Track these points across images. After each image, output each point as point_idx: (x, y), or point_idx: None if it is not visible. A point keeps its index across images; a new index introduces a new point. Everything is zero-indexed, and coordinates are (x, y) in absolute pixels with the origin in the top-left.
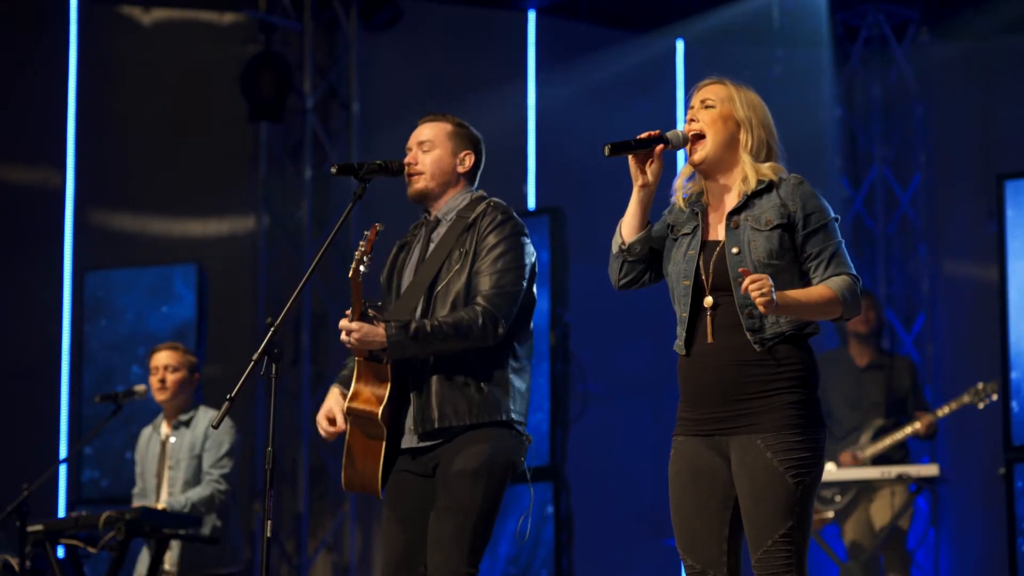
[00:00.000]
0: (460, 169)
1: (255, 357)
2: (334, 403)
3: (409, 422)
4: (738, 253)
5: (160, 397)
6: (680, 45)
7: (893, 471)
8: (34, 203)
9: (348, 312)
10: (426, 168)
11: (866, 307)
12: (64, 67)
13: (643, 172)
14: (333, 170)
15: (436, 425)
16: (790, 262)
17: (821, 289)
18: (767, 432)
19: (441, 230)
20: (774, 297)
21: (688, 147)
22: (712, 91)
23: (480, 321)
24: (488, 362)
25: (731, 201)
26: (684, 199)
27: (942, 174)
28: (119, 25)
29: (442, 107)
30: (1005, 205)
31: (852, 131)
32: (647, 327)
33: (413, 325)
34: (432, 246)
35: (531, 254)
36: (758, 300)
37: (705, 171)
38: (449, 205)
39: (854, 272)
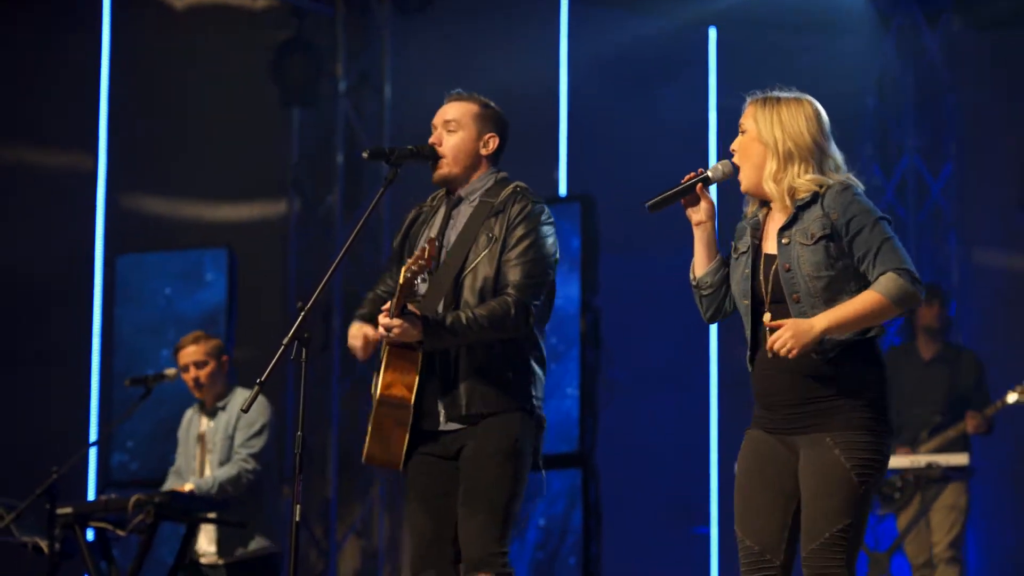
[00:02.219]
0: (484, 152)
1: (285, 341)
2: (361, 326)
3: (436, 406)
4: (789, 270)
5: (199, 395)
6: (712, 32)
7: (923, 460)
8: (66, 187)
9: (385, 308)
10: (449, 151)
11: (938, 303)
12: (97, 51)
13: (694, 211)
14: (364, 155)
15: (464, 412)
16: (843, 270)
17: (867, 295)
18: (836, 431)
19: (464, 210)
20: (801, 341)
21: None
22: (745, 115)
23: (513, 312)
24: (514, 350)
25: (782, 217)
26: (752, 210)
27: (973, 164)
28: (152, 9)
29: (474, 91)
30: None
31: (884, 120)
32: (676, 315)
33: (449, 319)
34: (454, 225)
35: (556, 242)
36: (783, 353)
37: (754, 195)
38: (473, 186)
39: (905, 265)
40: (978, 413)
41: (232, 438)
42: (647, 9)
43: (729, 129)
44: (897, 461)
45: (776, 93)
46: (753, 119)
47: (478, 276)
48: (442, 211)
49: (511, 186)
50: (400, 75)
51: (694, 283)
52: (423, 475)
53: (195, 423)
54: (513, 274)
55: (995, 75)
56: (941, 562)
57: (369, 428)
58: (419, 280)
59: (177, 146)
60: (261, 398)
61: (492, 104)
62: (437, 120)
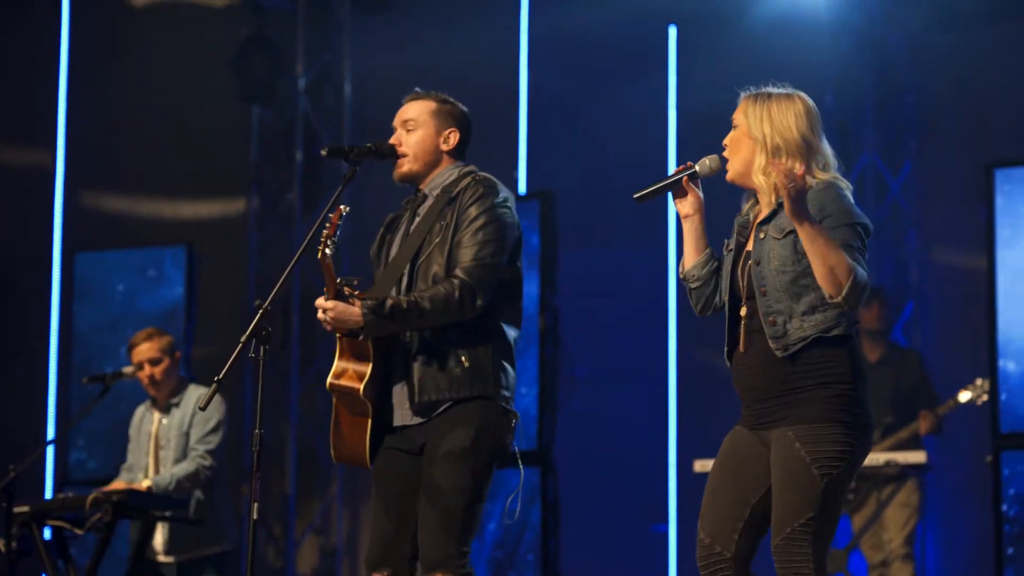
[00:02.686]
0: (444, 147)
1: (243, 339)
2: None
3: (397, 399)
4: (759, 263)
5: (152, 392)
6: (672, 30)
7: (881, 457)
8: (25, 184)
9: (325, 290)
10: (409, 150)
11: (878, 304)
12: (56, 48)
13: (682, 203)
14: (323, 153)
15: (417, 400)
16: (808, 267)
17: (845, 257)
18: (798, 424)
19: (427, 204)
20: (797, 184)
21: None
22: (738, 110)
23: (457, 294)
24: (470, 338)
25: (764, 213)
26: (747, 207)
27: (933, 162)
28: (111, 6)
29: (434, 89)
30: (995, 194)
31: (843, 118)
32: (636, 312)
33: (389, 302)
34: (417, 220)
35: (514, 227)
36: (784, 184)
37: (742, 186)
38: (435, 181)
39: (862, 269)
40: (931, 412)
41: (187, 435)
42: (607, 6)
43: (689, 127)
44: None
45: (769, 89)
46: (744, 114)
47: (432, 263)
48: (409, 212)
49: (470, 176)
50: (360, 73)
51: (681, 276)
52: (387, 470)
53: (147, 420)
54: (462, 256)
55: (954, 74)
56: (896, 559)
57: (331, 426)
58: (329, 249)
59: (136, 143)
60: (216, 395)
61: (451, 100)
62: (396, 121)
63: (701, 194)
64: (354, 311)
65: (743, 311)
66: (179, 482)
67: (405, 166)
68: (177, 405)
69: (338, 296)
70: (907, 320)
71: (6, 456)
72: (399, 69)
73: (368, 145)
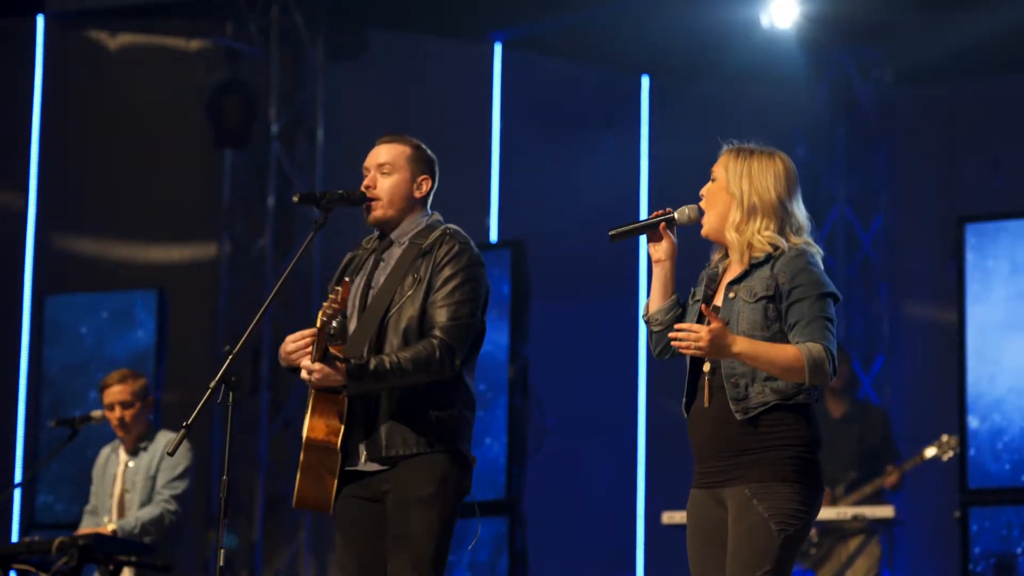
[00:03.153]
0: (417, 194)
1: (212, 384)
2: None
3: (359, 447)
4: (727, 324)
5: (121, 434)
6: (645, 80)
7: (849, 512)
8: None
9: (310, 350)
10: (384, 194)
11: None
12: (29, 90)
13: (655, 248)
14: (295, 199)
15: (384, 453)
16: (776, 334)
17: (789, 348)
18: (755, 482)
19: (394, 252)
20: (706, 344)
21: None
22: (718, 163)
23: (438, 355)
24: (437, 392)
25: (735, 270)
26: (716, 259)
27: (904, 215)
28: (85, 49)
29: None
30: (965, 248)
31: (815, 170)
32: (606, 363)
33: (372, 364)
34: (383, 267)
35: (486, 284)
36: (684, 349)
37: (715, 241)
38: (404, 229)
39: (830, 346)
40: (897, 468)
41: (154, 479)
42: (580, 56)
43: (661, 176)
44: (824, 513)
45: (751, 145)
46: (724, 168)
47: (402, 317)
48: (374, 255)
49: (441, 228)
50: (333, 120)
51: (645, 318)
52: (350, 517)
53: (112, 461)
54: (439, 315)
55: (926, 127)
56: None
57: (299, 472)
58: (334, 323)
59: (108, 186)
60: (184, 441)
61: (423, 146)
62: (370, 163)
63: (676, 241)
64: (337, 374)
65: (706, 366)
66: (144, 526)
67: (379, 210)
68: (145, 449)
69: (324, 358)
70: (877, 373)
71: None
72: (372, 116)
73: (340, 192)
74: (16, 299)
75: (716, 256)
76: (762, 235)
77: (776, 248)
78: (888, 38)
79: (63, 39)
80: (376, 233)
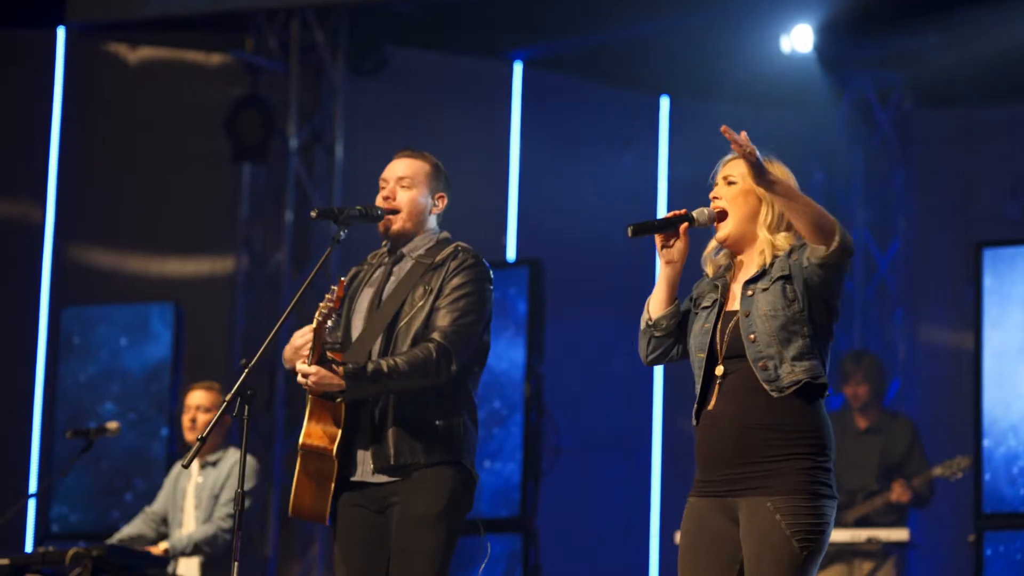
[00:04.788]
0: (433, 211)
1: (227, 398)
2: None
3: (364, 457)
4: (748, 315)
5: (190, 437)
6: (665, 101)
7: (863, 534)
8: (13, 237)
9: (306, 354)
10: (403, 207)
11: (862, 375)
12: (49, 102)
13: (668, 248)
14: (313, 214)
15: (392, 463)
16: (797, 312)
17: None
18: (777, 495)
19: (404, 265)
20: (752, 151)
21: (716, 224)
22: (735, 167)
23: (434, 357)
24: (445, 403)
25: (751, 271)
26: (713, 271)
27: (922, 240)
28: (105, 62)
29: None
30: (983, 273)
31: (833, 194)
32: (622, 381)
33: (369, 367)
34: (394, 280)
35: (491, 303)
36: (746, 151)
37: (731, 247)
38: (416, 243)
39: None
40: (904, 481)
41: (217, 497)
42: (599, 76)
43: (679, 197)
44: (838, 535)
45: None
46: (743, 171)
47: (412, 327)
48: (385, 265)
49: (452, 245)
50: (351, 136)
51: (650, 323)
52: (351, 528)
53: (183, 475)
54: (440, 319)
55: (945, 152)
56: None
57: (295, 480)
58: (330, 322)
59: (126, 199)
60: (252, 460)
61: (440, 164)
62: (388, 175)
63: (688, 243)
64: (335, 378)
65: (719, 370)
66: (197, 545)
67: (399, 223)
68: (214, 465)
69: (321, 361)
70: (893, 397)
71: None
72: (390, 132)
73: (358, 208)
74: (33, 311)
75: (710, 268)
76: (782, 235)
77: (792, 246)
78: (907, 62)
79: (83, 52)
80: (384, 248)
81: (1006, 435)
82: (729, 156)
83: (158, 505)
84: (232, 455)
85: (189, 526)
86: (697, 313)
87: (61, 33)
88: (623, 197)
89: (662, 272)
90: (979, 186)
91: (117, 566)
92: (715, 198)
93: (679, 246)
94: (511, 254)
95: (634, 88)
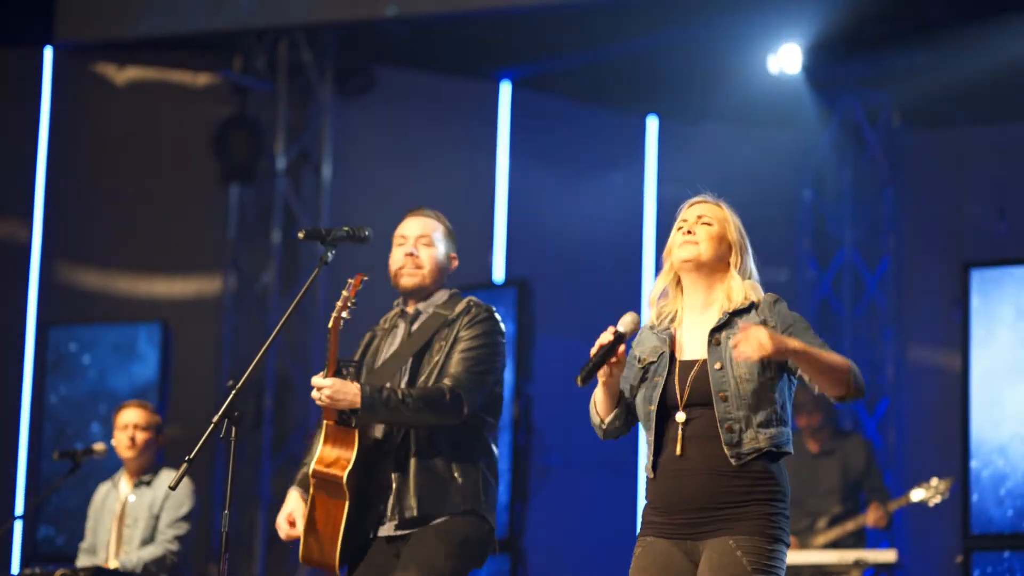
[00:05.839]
0: (449, 269)
1: (215, 419)
2: (295, 506)
3: (384, 511)
4: (720, 368)
5: (128, 455)
6: (653, 121)
7: (851, 556)
8: (0, 257)
9: (324, 371)
10: (426, 264)
11: (813, 407)
12: (36, 122)
13: (609, 373)
14: (300, 235)
15: (415, 514)
16: (770, 380)
17: (837, 355)
18: (741, 535)
19: (420, 320)
20: (769, 341)
21: (678, 246)
22: (710, 210)
23: (448, 397)
24: (464, 453)
25: (711, 318)
26: (658, 316)
27: (910, 260)
28: (92, 82)
29: (413, 175)
30: (971, 294)
31: (821, 213)
32: None
33: (386, 390)
34: (414, 335)
35: (504, 356)
36: (747, 355)
37: (691, 271)
38: (432, 299)
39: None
40: (880, 506)
41: (157, 517)
42: (588, 96)
43: (667, 216)
44: (824, 556)
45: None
46: (724, 220)
47: (422, 372)
48: (401, 327)
49: (465, 300)
50: (339, 156)
51: (603, 427)
52: (367, 563)
53: (111, 497)
54: (454, 366)
55: (933, 171)
56: None
57: (303, 524)
58: (345, 314)
59: (114, 219)
60: (188, 482)
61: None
62: (408, 232)
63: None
64: (352, 389)
65: (680, 416)
66: (146, 565)
67: (418, 278)
68: (148, 484)
69: (336, 375)
70: (881, 416)
71: None
72: (378, 154)
73: (345, 229)
74: (19, 330)
75: (664, 313)
76: (749, 283)
77: (756, 298)
78: (896, 82)
79: (71, 71)
80: (396, 309)
81: (994, 456)
82: (699, 197)
83: (90, 537)
84: (164, 476)
85: (116, 547)
86: (642, 367)
87: (49, 53)
88: (611, 217)
89: (606, 385)
90: (967, 206)
91: None
92: (688, 232)
93: (618, 366)
94: (499, 275)
95: (622, 108)
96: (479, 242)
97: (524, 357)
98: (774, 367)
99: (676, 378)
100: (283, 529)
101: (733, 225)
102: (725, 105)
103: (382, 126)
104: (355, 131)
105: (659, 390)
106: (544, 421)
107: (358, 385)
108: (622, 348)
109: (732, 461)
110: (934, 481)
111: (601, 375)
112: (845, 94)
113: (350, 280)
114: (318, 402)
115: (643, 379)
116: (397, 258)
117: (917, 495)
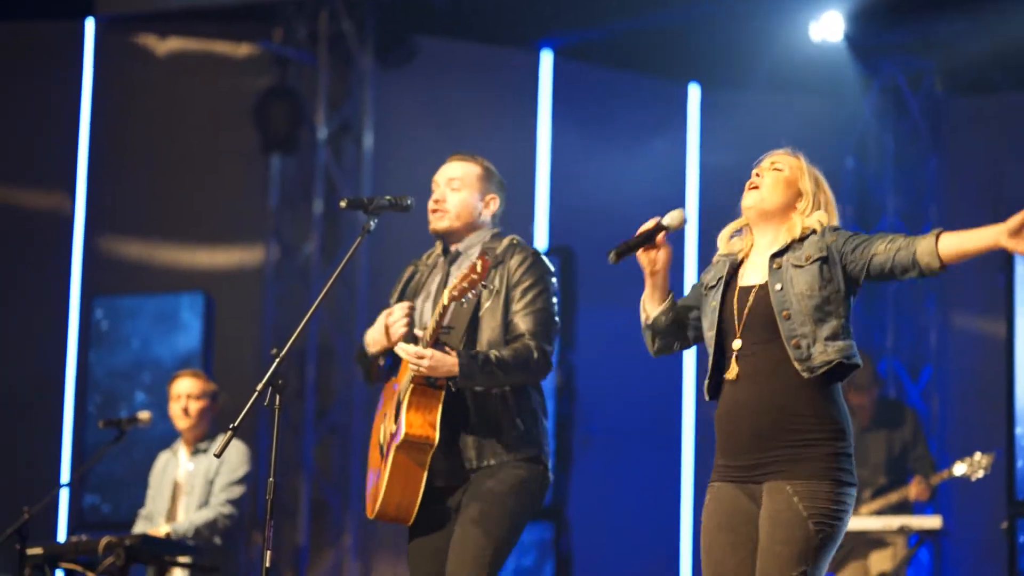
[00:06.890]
0: (485, 212)
1: (259, 387)
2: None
3: (449, 462)
4: (781, 289)
5: (182, 425)
6: (695, 89)
7: (895, 523)
8: (44, 228)
9: (401, 332)
10: (452, 207)
11: (872, 384)
12: (78, 94)
13: (651, 262)
14: (342, 204)
15: (475, 464)
16: (832, 293)
17: (929, 235)
18: (798, 479)
19: (463, 263)
20: None
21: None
22: (784, 159)
23: (536, 355)
24: (520, 400)
25: (776, 245)
26: (727, 251)
27: (953, 226)
28: (134, 54)
29: (454, 144)
30: (1014, 260)
31: (864, 181)
32: (652, 370)
33: (482, 356)
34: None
35: (557, 292)
36: None
37: (754, 217)
38: (470, 241)
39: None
40: (924, 479)
41: (212, 483)
42: (629, 64)
43: (709, 184)
44: (870, 523)
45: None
46: (799, 168)
47: (484, 330)
48: (441, 266)
49: (508, 239)
50: (380, 126)
51: (648, 322)
52: (429, 525)
53: (171, 465)
54: (525, 323)
55: (976, 138)
56: None
57: (385, 479)
58: (464, 302)
59: (156, 190)
60: (243, 447)
61: (493, 168)
62: (439, 178)
63: (670, 248)
64: (450, 359)
65: (736, 344)
66: (197, 529)
67: (445, 221)
68: (204, 452)
69: (435, 345)
70: (925, 384)
71: (21, 498)
72: (419, 123)
73: (387, 198)
74: (63, 301)
75: (723, 247)
76: (813, 216)
77: (821, 224)
78: (938, 49)
79: (112, 43)
80: (437, 248)
81: None
82: (781, 149)
83: (150, 504)
84: (221, 442)
85: (181, 514)
86: (706, 293)
87: (90, 25)
88: (653, 185)
89: (651, 281)
90: (1010, 172)
91: (149, 555)
92: (756, 175)
93: (661, 257)
94: (541, 244)
95: (664, 76)
96: (521, 211)
97: (567, 326)
98: (837, 282)
99: (734, 304)
100: (381, 327)
101: (809, 175)
102: (767, 73)
103: (423, 96)
104: (396, 101)
105: (716, 314)
106: (587, 389)
107: (456, 353)
108: (662, 236)
109: (804, 375)
110: (976, 455)
111: (645, 263)
112: (887, 61)
113: (476, 261)
114: (416, 372)
115: (705, 305)
116: (429, 204)
117: (959, 469)
